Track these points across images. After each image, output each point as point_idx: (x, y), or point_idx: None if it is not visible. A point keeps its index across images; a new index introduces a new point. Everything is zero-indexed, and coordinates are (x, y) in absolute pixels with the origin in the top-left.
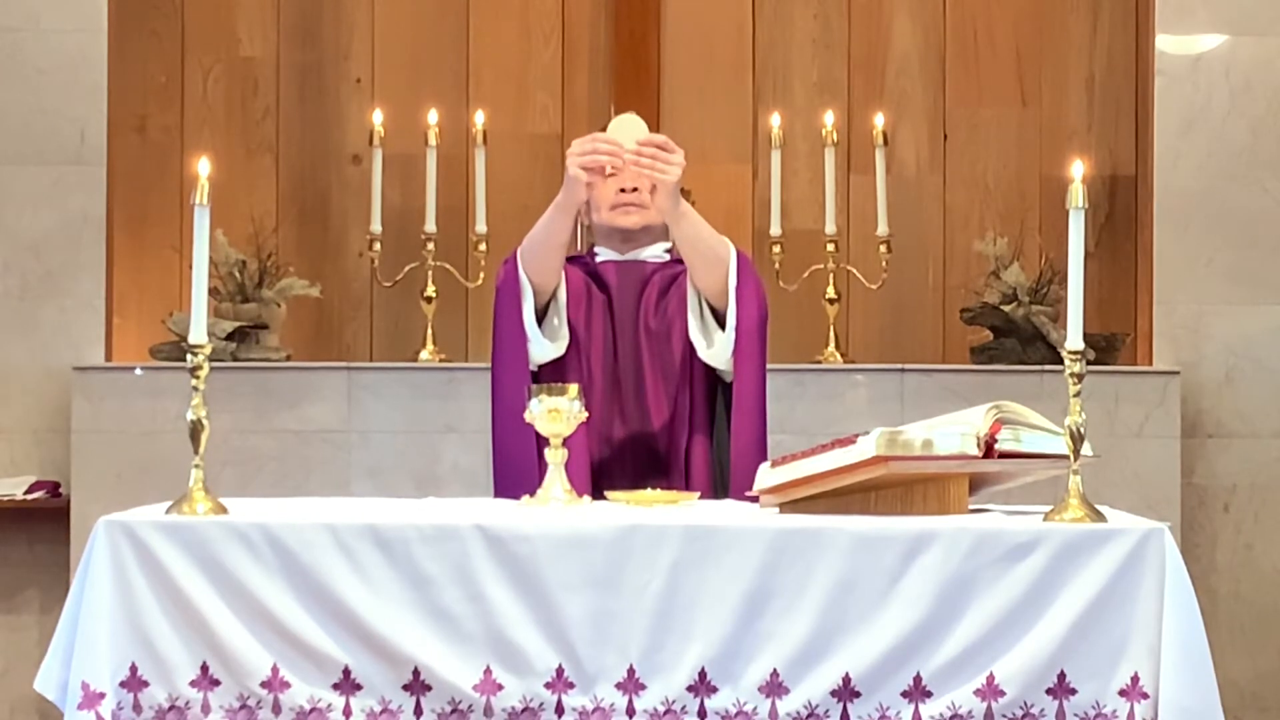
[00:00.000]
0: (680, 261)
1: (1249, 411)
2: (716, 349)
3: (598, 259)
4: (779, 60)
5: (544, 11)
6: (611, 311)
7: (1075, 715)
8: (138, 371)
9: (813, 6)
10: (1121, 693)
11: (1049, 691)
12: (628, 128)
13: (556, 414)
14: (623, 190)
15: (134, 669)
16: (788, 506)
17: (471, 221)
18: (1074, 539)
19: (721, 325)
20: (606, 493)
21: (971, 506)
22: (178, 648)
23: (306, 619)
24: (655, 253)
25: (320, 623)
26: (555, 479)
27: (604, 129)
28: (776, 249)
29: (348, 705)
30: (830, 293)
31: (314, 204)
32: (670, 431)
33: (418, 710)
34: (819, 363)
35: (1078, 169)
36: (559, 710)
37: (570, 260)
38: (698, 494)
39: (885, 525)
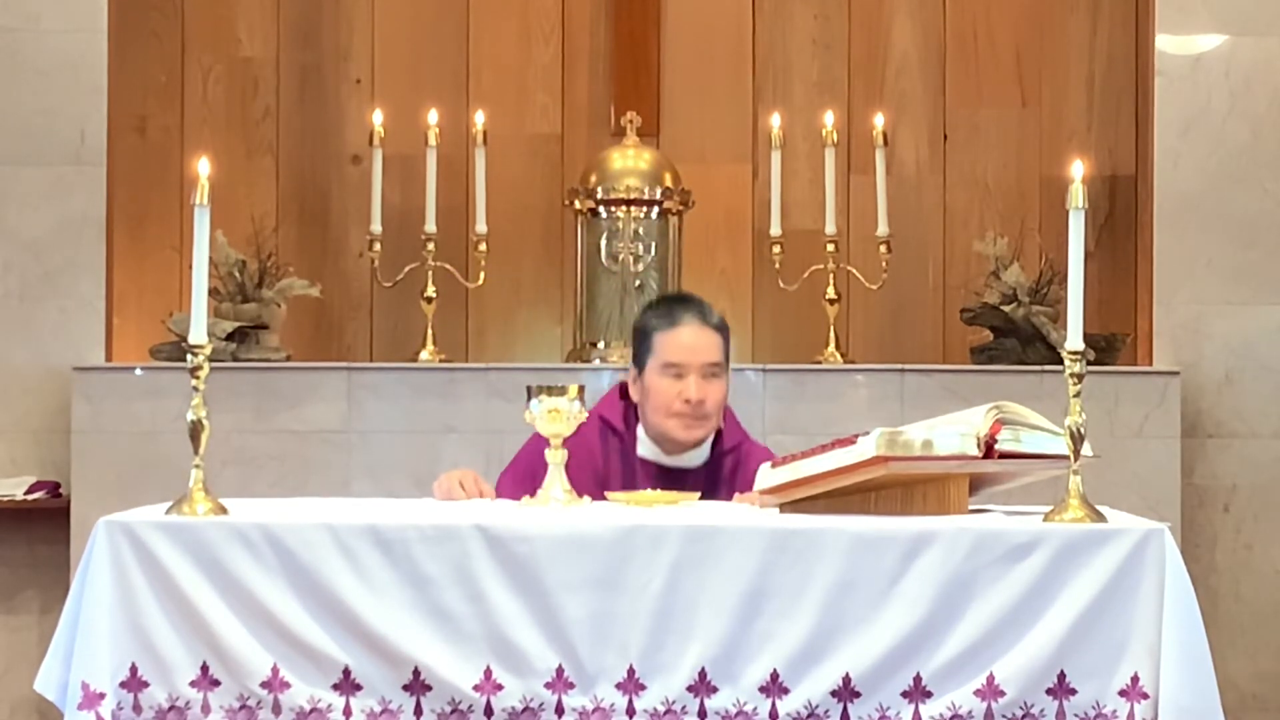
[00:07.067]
0: (724, 454)
1: (1249, 411)
2: None
3: (639, 452)
4: (779, 60)
5: (544, 11)
6: None
7: (1075, 715)
8: (138, 372)
9: (813, 6)
10: (1121, 693)
11: (1049, 691)
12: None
13: (556, 414)
14: (687, 401)
15: (134, 669)
16: (788, 506)
17: (471, 221)
18: (1074, 539)
19: None
20: (607, 493)
21: (971, 507)
22: (178, 648)
23: (306, 619)
24: (701, 456)
25: (320, 623)
26: (555, 479)
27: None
28: (776, 249)
29: (348, 705)
30: (830, 293)
31: (314, 204)
32: None
33: (418, 710)
34: (819, 363)
35: (1078, 169)
36: (559, 710)
37: (598, 428)
38: (698, 494)
39: (885, 526)
